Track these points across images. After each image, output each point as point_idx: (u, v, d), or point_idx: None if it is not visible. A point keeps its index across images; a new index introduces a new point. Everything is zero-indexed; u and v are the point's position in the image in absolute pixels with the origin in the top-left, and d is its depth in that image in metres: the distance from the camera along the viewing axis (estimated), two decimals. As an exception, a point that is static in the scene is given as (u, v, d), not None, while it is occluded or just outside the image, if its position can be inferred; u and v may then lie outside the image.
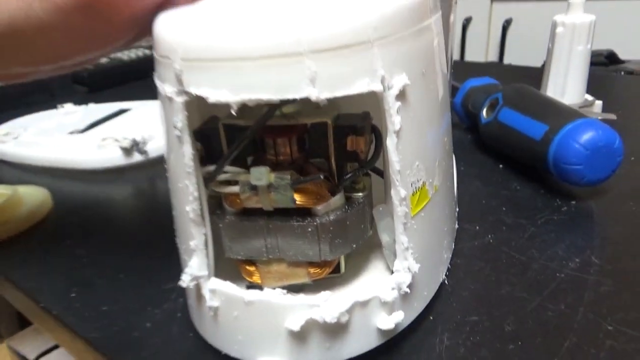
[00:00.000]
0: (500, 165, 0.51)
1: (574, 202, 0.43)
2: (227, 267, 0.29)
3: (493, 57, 1.33)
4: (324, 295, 0.25)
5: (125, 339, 0.31)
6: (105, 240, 0.43)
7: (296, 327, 0.25)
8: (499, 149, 0.52)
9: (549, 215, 0.42)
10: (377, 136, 0.28)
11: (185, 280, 0.27)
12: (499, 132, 0.50)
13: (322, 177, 0.26)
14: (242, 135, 0.25)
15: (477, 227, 0.40)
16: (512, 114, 0.49)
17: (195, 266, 0.26)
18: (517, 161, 0.49)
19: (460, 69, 0.96)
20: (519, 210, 0.42)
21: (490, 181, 0.48)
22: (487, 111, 0.54)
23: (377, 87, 0.22)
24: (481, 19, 1.24)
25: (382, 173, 0.30)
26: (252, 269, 0.28)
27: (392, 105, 0.23)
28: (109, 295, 0.35)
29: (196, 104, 0.29)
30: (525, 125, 0.46)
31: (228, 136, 0.27)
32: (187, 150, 0.25)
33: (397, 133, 0.24)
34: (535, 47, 0.93)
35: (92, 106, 0.79)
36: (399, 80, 0.23)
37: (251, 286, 0.28)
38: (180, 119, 0.24)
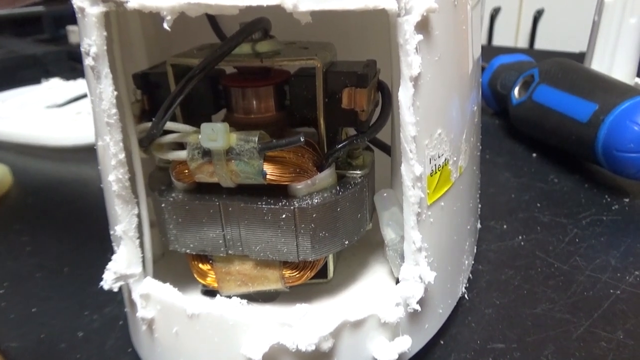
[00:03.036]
0: (534, 154, 0.48)
1: (627, 200, 0.39)
2: (182, 266, 0.24)
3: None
4: (300, 310, 0.20)
5: (48, 351, 0.26)
6: (58, 227, 0.40)
7: (257, 355, 0.19)
8: (532, 135, 0.48)
9: (596, 214, 0.37)
10: (385, 96, 0.24)
11: (106, 280, 0.20)
12: (533, 114, 0.46)
13: (302, 139, 0.18)
14: (191, 72, 0.18)
15: (505, 226, 0.36)
16: (550, 91, 0.44)
17: (122, 260, 0.19)
18: (555, 148, 0.46)
19: (487, 53, 0.91)
20: (558, 207, 0.38)
21: (521, 172, 0.44)
22: (519, 90, 0.49)
23: (388, 3, 0.15)
24: (511, 9, 1.18)
25: (388, 149, 0.25)
26: (206, 267, 0.23)
27: (409, 37, 0.18)
28: (44, 292, 0.31)
29: (143, 42, 0.22)
30: (568, 105, 0.41)
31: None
32: (107, 90, 0.17)
33: (415, 81, 0.18)
34: (570, 41, 0.88)
35: (80, 81, 0.75)
36: (422, 2, 0.16)
37: (207, 291, 0.24)
38: (94, 41, 0.16)
